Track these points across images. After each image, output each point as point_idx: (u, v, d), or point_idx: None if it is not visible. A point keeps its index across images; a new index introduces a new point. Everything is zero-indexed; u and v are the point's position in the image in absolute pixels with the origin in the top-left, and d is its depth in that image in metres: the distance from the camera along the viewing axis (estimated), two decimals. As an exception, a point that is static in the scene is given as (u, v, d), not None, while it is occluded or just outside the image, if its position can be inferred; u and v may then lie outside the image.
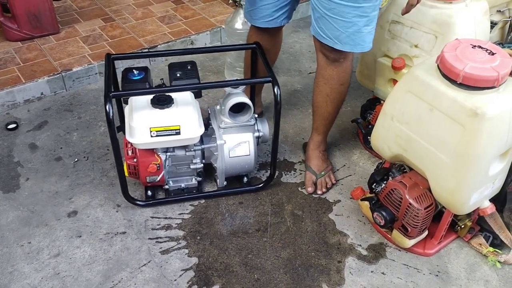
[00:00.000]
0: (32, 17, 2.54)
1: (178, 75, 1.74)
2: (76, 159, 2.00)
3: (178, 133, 1.62)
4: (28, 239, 1.67)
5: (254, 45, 1.82)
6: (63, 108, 2.29)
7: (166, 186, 1.80)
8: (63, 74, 2.37)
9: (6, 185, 1.88)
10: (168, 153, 1.71)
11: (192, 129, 1.64)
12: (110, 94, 1.53)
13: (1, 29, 2.60)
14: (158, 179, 1.73)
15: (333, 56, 1.68)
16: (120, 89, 1.82)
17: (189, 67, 1.78)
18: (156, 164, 1.68)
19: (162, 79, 1.85)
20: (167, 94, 1.64)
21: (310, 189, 1.88)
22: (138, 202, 1.78)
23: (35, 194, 1.84)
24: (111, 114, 1.51)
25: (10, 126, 2.15)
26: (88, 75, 2.44)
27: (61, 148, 2.06)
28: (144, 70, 1.76)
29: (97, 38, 2.66)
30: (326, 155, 1.97)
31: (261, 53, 1.78)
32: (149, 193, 1.81)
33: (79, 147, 2.06)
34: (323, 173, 1.90)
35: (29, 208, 1.78)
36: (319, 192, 1.88)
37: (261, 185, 1.87)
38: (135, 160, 1.69)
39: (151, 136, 1.61)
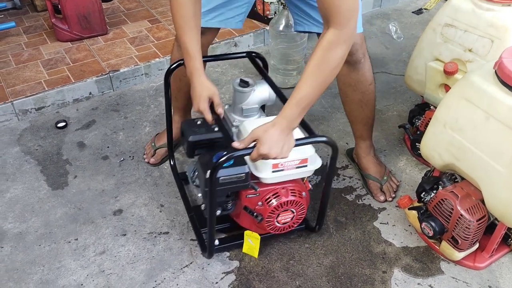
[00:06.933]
0: (82, 18, 2.61)
1: None
2: (122, 158, 2.04)
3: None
4: (75, 235, 1.71)
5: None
6: (110, 108, 2.34)
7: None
8: (110, 74, 2.42)
9: (55, 182, 1.93)
10: None
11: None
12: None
13: (52, 29, 2.68)
14: None
15: (355, 58, 1.64)
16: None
17: None
18: None
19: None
20: None
21: (382, 198, 1.83)
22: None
23: (83, 191, 1.89)
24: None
25: (60, 125, 2.22)
26: (135, 76, 2.49)
27: (108, 147, 2.10)
28: None
29: (143, 40, 2.70)
30: (378, 157, 1.93)
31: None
32: None
33: (125, 146, 2.10)
34: (385, 178, 1.86)
35: (76, 205, 1.83)
36: (389, 199, 1.84)
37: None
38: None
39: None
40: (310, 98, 1.31)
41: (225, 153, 1.31)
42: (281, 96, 1.58)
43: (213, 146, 1.54)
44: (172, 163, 1.91)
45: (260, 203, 1.50)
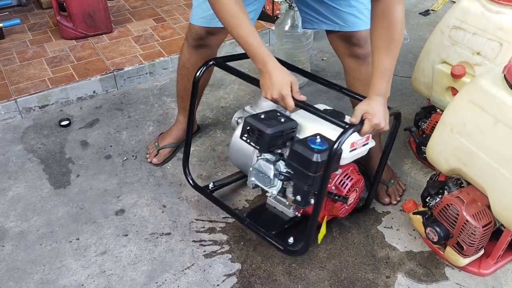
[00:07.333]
0: (87, 16, 2.60)
1: None
2: (125, 158, 2.03)
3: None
4: (77, 235, 1.70)
5: None
6: (114, 107, 2.33)
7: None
8: (115, 73, 2.41)
9: (58, 180, 1.92)
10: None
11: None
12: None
13: (57, 27, 2.68)
14: None
15: (365, 51, 1.64)
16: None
17: None
18: None
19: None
20: (336, 110, 1.53)
21: (387, 200, 1.81)
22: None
23: (85, 191, 1.88)
24: None
25: (63, 123, 2.21)
26: (139, 75, 2.48)
27: (111, 146, 2.09)
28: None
29: (148, 38, 2.69)
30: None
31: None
32: None
33: (128, 146, 2.09)
34: (392, 181, 1.84)
35: (78, 205, 1.82)
36: (394, 202, 1.82)
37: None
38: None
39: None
40: (391, 66, 1.39)
41: (345, 131, 1.30)
42: (313, 77, 1.63)
43: (281, 138, 1.47)
44: (192, 182, 1.75)
45: (333, 187, 1.48)
